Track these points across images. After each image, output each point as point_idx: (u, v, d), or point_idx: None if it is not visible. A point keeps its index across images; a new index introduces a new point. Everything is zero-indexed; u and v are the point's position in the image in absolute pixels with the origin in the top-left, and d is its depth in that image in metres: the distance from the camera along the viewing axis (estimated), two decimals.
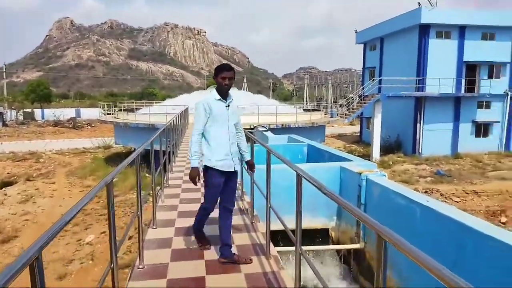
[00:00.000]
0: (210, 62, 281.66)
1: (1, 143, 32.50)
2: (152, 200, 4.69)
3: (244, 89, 70.09)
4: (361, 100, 25.74)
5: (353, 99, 49.92)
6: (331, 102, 59.69)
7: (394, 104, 25.37)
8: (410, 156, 24.24)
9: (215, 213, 3.82)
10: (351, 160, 7.73)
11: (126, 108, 28.27)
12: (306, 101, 66.37)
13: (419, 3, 24.39)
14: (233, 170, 3.63)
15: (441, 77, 23.86)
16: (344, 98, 65.21)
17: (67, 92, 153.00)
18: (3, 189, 17.84)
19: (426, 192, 15.64)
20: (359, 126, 34.05)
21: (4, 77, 52.46)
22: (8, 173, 21.87)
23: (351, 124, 35.55)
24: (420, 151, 24.72)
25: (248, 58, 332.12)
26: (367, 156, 25.26)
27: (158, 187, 6.26)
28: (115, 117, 24.50)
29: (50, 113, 51.09)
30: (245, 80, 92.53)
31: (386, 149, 25.14)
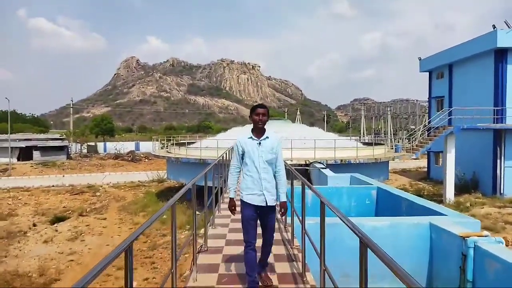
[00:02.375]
0: (264, 96, 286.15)
1: (63, 176, 33.80)
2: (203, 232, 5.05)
3: (297, 122, 68.98)
4: (429, 132, 23.27)
5: (414, 131, 46.59)
6: (390, 134, 56.38)
7: (469, 137, 22.59)
8: (490, 197, 21.11)
9: None
10: (442, 214, 5.96)
11: (178, 142, 28.07)
12: (364, 133, 63.49)
13: (494, 26, 21.98)
14: (265, 205, 3.75)
15: None
16: (405, 130, 61.60)
17: (131, 126, 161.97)
18: (56, 224, 17.76)
19: None
20: (426, 161, 31.01)
21: (71, 112, 56.07)
22: (64, 207, 22.12)
23: (415, 158, 32.63)
24: (501, 191, 21.48)
25: (301, 90, 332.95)
26: (438, 196, 22.48)
27: (208, 222, 6.07)
28: (167, 152, 24.21)
29: (112, 146, 53.28)
30: (298, 112, 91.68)
31: (460, 189, 22.21)
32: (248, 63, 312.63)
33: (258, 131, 3.81)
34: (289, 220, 5.92)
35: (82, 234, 16.34)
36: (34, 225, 17.52)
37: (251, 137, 3.82)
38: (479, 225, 5.54)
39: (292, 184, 5.58)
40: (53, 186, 28.50)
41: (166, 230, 16.39)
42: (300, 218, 4.37)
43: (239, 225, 6.07)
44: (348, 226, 2.34)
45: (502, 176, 21.56)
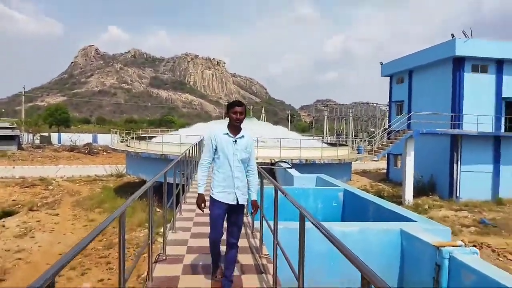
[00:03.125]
0: (228, 92, 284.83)
1: (13, 167, 31.69)
2: (162, 237, 4.61)
3: (262, 120, 69.14)
4: (389, 136, 23.94)
5: (375, 133, 48.00)
6: (352, 136, 57.81)
7: (427, 141, 23.45)
8: (446, 200, 22.03)
9: None
10: (411, 220, 5.94)
11: (138, 135, 27.07)
12: (326, 134, 64.68)
13: (452, 35, 22.93)
14: (235, 204, 3.71)
15: (478, 113, 21.98)
16: (366, 132, 63.44)
17: (88, 117, 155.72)
18: (3, 219, 16.51)
19: (474, 246, 13.50)
20: (386, 163, 31.97)
21: (23, 100, 52.74)
22: (13, 201, 20.68)
23: (376, 160, 33.55)
24: (457, 195, 22.47)
25: (265, 89, 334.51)
26: (397, 197, 23.18)
27: (168, 224, 5.84)
28: (127, 145, 23.25)
29: (67, 137, 50.75)
30: (263, 111, 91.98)
31: (418, 191, 23.00)
32: (213, 58, 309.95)
33: (235, 129, 3.73)
34: (256, 224, 5.69)
35: (32, 231, 15.26)
36: None
37: (227, 134, 3.71)
38: (449, 233, 5.56)
39: (262, 185, 5.20)
40: (1, 178, 26.61)
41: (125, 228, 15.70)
42: (271, 224, 4.11)
43: (202, 229, 5.87)
44: (320, 230, 2.27)
45: (458, 180, 22.56)
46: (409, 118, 23.60)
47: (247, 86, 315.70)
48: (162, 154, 18.43)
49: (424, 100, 26.07)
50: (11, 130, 43.43)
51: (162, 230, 5.11)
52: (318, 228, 2.36)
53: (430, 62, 25.14)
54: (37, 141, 48.86)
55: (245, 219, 5.87)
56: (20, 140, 44.70)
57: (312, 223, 2.53)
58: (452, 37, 22.76)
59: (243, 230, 4.48)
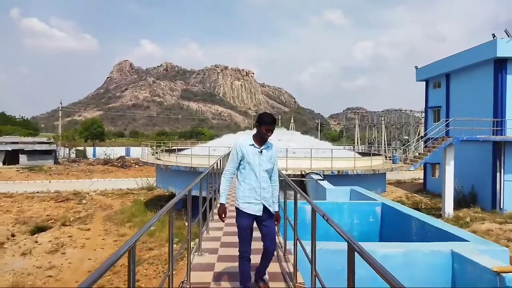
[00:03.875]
0: (257, 102, 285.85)
1: (49, 181, 32.65)
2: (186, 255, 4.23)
3: (291, 129, 68.42)
4: (426, 144, 22.74)
5: (410, 142, 46.25)
6: (384, 144, 55.99)
7: (467, 149, 22.07)
8: (489, 212, 20.52)
9: None
10: (463, 239, 5.22)
11: (168, 148, 27.13)
12: (357, 142, 63.08)
13: (493, 35, 21.60)
14: (260, 214, 3.66)
15: None
16: (399, 141, 61.26)
17: (123, 130, 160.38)
18: (36, 235, 16.74)
19: None
20: (423, 173, 30.46)
21: (60, 115, 54.73)
22: (47, 215, 21.09)
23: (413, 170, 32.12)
24: (501, 206, 20.92)
25: (294, 98, 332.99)
26: (436, 210, 21.90)
27: (196, 240, 5.66)
28: (157, 158, 23.29)
29: (102, 151, 52.06)
30: (292, 120, 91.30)
31: (458, 203, 21.62)
32: (242, 69, 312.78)
33: (261, 140, 3.72)
34: (289, 245, 5.10)
35: (64, 246, 15.35)
36: (13, 235, 16.47)
37: (253, 144, 3.71)
38: (507, 254, 4.81)
39: (295, 201, 4.55)
40: (37, 192, 27.39)
41: (153, 243, 15.51)
42: (306, 247, 3.58)
43: (229, 251, 5.35)
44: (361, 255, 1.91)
45: (502, 190, 21.03)
46: (447, 125, 22.36)
47: (276, 96, 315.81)
48: (191, 167, 18.23)
49: (463, 105, 24.67)
50: (48, 144, 45.04)
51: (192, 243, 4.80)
52: (366, 260, 1.85)
53: (470, 64, 23.80)
54: (73, 155, 50.41)
55: (276, 239, 5.39)
56: (57, 155, 46.24)
57: (358, 253, 2.03)
58: (493, 37, 21.45)
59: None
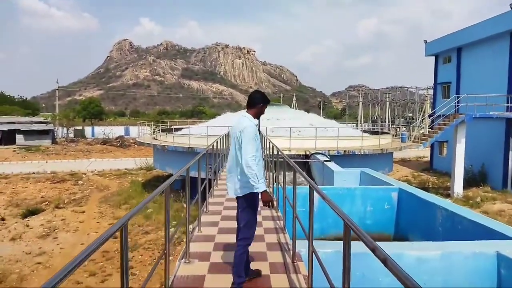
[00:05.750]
0: (258, 81, 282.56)
1: (46, 162, 31.89)
2: (185, 237, 4.21)
3: (293, 107, 67.16)
4: (432, 122, 21.68)
5: (415, 119, 45.03)
6: (389, 122, 54.80)
7: (477, 126, 21.03)
8: (500, 192, 19.70)
9: None
10: (507, 236, 4.34)
11: (165, 128, 26.13)
12: (361, 120, 61.91)
13: (511, 5, 20.22)
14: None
15: None
16: (403, 118, 60.01)
17: (124, 110, 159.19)
18: (27, 218, 16.02)
19: None
20: (429, 151, 29.50)
21: (57, 94, 53.57)
22: (42, 197, 20.38)
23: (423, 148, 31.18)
24: None
25: (296, 76, 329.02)
26: (444, 189, 21.07)
27: (193, 223, 5.49)
28: (154, 138, 22.35)
29: (100, 131, 51.16)
30: (294, 98, 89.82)
31: (468, 182, 20.77)
32: (243, 47, 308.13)
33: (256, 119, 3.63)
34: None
35: (56, 230, 14.65)
36: (3, 219, 15.76)
37: (257, 125, 3.59)
38: None
39: (294, 184, 4.14)
40: (33, 173, 26.65)
41: (150, 227, 14.78)
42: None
43: (226, 237, 4.86)
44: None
45: None
46: (458, 102, 21.24)
47: (278, 74, 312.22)
48: (188, 147, 17.32)
49: (475, 80, 23.47)
50: (45, 124, 44.11)
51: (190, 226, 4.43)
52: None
53: (483, 37, 22.49)
54: (71, 135, 49.54)
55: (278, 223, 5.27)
56: (55, 134, 45.37)
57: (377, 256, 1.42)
58: (511, 8, 20.07)
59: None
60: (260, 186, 3.35)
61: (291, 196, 4.06)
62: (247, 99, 3.76)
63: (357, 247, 2.00)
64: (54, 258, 12.15)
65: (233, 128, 3.57)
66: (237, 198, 3.52)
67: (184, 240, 4.43)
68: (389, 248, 3.57)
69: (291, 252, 3.96)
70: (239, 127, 3.43)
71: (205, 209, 6.37)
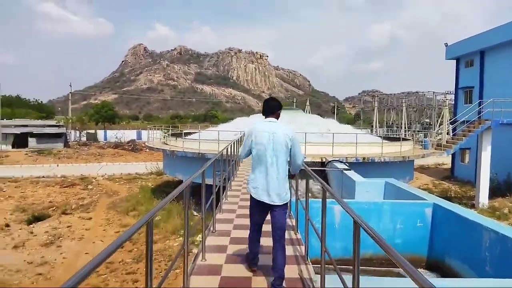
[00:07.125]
0: (271, 86, 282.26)
1: (57, 165, 31.66)
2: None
3: (307, 112, 66.25)
4: (455, 129, 20.59)
5: (430, 124, 43.66)
6: (405, 128, 53.45)
7: (503, 133, 19.91)
8: None
9: None
10: None
11: (175, 132, 25.53)
12: (376, 126, 60.66)
13: None
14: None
15: None
16: (419, 124, 58.51)
17: (137, 114, 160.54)
18: (32, 225, 15.52)
19: None
20: (450, 158, 28.28)
21: (70, 98, 53.78)
22: (50, 202, 19.96)
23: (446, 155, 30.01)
24: None
25: (309, 81, 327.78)
26: (468, 199, 19.95)
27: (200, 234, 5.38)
28: (164, 143, 21.75)
29: (112, 134, 51.08)
30: (308, 103, 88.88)
31: (493, 191, 19.60)
32: (256, 52, 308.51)
33: None
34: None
35: (60, 238, 14.09)
36: (7, 225, 15.29)
37: None
38: None
39: (307, 194, 4.10)
40: (43, 177, 26.36)
41: (157, 236, 14.09)
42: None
43: (239, 247, 4.60)
44: None
45: None
46: (481, 107, 20.13)
47: (290, 79, 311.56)
48: (199, 153, 16.65)
49: (500, 85, 22.31)
50: (57, 127, 44.12)
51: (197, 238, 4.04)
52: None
53: (508, 40, 21.36)
54: (84, 139, 49.54)
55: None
56: (67, 138, 45.37)
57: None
58: None
59: None
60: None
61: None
62: (263, 105, 3.78)
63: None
64: (56, 269, 11.54)
65: (264, 131, 3.52)
66: (273, 204, 3.45)
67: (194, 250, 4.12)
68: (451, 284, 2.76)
69: None
70: (285, 132, 3.50)
71: (212, 229, 5.66)
